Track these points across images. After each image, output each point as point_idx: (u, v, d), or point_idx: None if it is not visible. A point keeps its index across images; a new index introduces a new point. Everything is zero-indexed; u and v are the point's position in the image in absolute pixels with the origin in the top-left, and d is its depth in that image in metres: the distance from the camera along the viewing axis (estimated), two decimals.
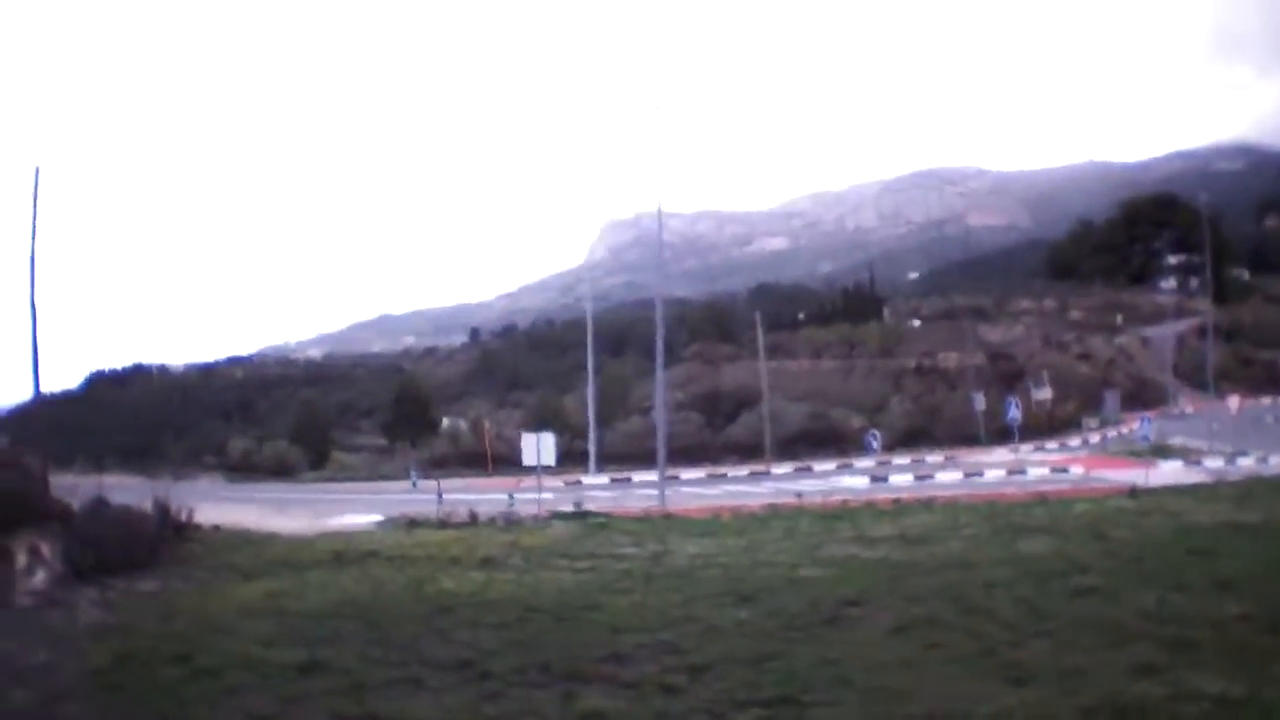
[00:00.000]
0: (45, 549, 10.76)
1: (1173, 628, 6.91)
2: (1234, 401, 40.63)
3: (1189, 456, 30.15)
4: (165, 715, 6.16)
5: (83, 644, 7.99)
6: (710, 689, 6.19)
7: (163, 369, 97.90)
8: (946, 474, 29.92)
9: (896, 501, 19.23)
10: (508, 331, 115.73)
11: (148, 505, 13.80)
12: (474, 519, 18.20)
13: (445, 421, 58.56)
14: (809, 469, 36.27)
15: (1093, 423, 48.38)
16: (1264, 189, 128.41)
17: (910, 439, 45.09)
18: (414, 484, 33.60)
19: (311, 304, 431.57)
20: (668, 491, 25.20)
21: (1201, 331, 60.66)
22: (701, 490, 29.35)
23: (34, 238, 18.76)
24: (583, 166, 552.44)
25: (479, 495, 25.32)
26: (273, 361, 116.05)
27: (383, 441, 60.44)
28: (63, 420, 49.72)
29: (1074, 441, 43.32)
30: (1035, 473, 28.59)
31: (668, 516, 18.69)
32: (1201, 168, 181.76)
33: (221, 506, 19.67)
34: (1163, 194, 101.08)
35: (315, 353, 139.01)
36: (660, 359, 30.06)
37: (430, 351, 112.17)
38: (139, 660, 7.30)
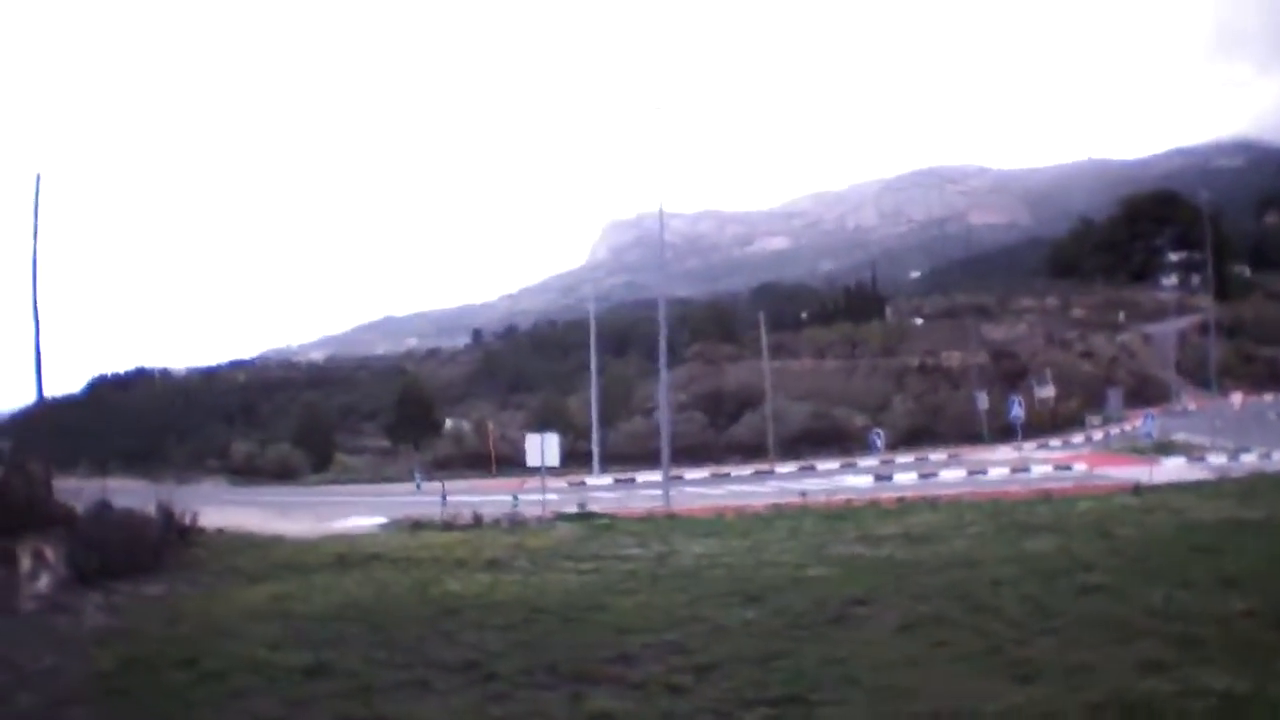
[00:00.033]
0: (49, 553, 10.73)
1: (1179, 624, 6.90)
2: (1236, 398, 40.76)
3: (1192, 453, 30.18)
4: (171, 719, 6.16)
5: (88, 648, 7.97)
6: (717, 688, 6.18)
7: (165, 373, 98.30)
8: (950, 472, 29.93)
9: (901, 500, 19.20)
10: (510, 333, 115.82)
11: (151, 509, 13.74)
12: (478, 521, 18.17)
13: (448, 423, 58.61)
14: (812, 468, 36.30)
15: (1095, 420, 48.39)
16: (1264, 185, 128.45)
17: (913, 438, 45.19)
18: (418, 486, 33.70)
19: (314, 306, 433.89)
20: (672, 492, 25.22)
21: (1203, 328, 60.67)
22: (705, 490, 29.39)
23: (36, 242, 18.89)
24: (584, 167, 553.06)
25: (483, 497, 25.32)
26: (275, 364, 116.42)
27: (386, 443, 60.63)
28: (66, 424, 49.82)
29: (1077, 439, 43.37)
30: (1039, 470, 28.61)
31: (672, 517, 18.69)
32: (1202, 165, 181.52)
33: (225, 510, 19.60)
34: (1163, 191, 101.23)
35: (318, 355, 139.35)
36: (664, 359, 30.10)
37: (433, 353, 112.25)
38: (144, 664, 7.29)
